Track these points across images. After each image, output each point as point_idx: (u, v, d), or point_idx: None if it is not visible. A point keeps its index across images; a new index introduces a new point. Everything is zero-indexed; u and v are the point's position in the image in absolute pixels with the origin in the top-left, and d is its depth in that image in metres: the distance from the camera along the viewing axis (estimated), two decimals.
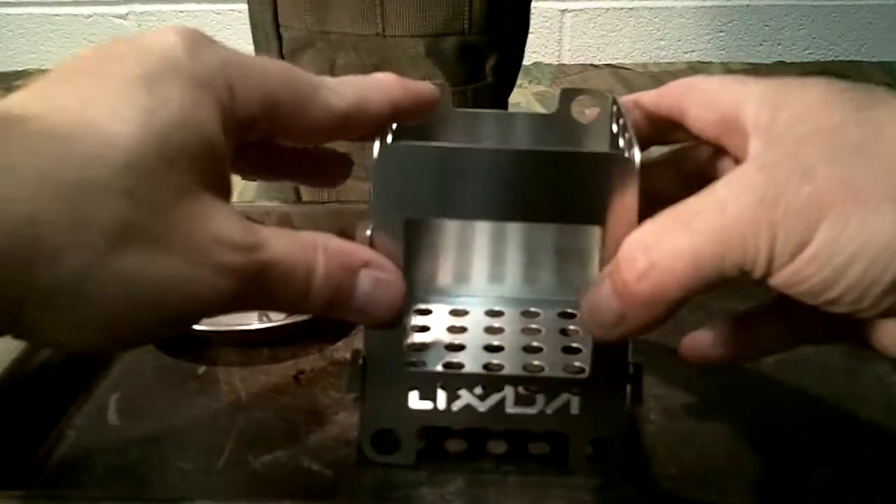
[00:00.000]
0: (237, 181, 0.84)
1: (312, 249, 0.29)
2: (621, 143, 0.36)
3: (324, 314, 0.31)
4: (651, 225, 0.29)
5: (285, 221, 0.56)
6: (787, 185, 0.26)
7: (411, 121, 0.35)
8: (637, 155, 0.32)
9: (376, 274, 0.31)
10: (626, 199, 0.32)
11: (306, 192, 0.63)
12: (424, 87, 0.35)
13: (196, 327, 0.47)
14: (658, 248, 0.28)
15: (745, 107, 0.30)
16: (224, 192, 0.28)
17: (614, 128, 0.39)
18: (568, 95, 0.44)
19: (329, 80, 0.32)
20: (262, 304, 0.31)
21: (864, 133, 0.26)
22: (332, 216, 0.56)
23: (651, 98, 0.35)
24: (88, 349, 0.26)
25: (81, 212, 0.23)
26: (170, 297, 0.25)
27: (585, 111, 0.43)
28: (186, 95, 0.26)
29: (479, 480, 0.36)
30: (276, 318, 0.50)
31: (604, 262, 0.33)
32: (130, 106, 0.25)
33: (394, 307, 0.32)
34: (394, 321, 0.32)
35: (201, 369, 0.45)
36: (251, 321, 0.50)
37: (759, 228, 0.26)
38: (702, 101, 0.32)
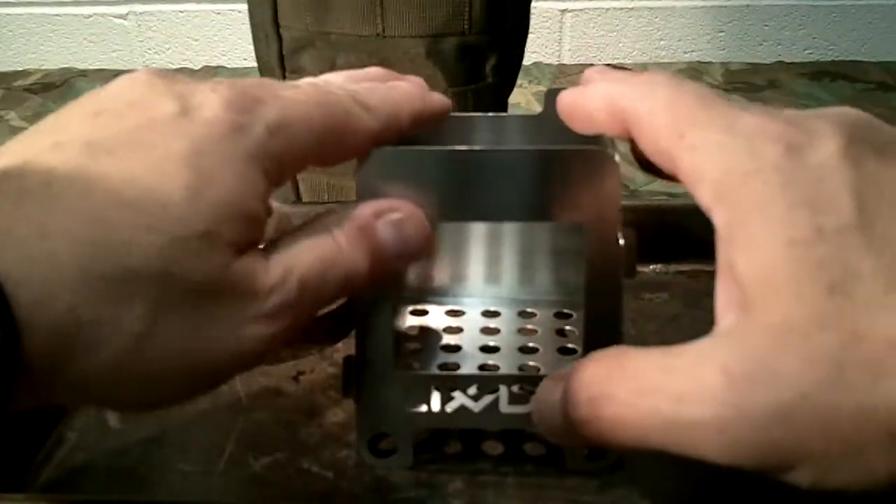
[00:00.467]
0: None
1: (327, 236, 0.30)
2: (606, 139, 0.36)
3: (377, 282, 0.32)
4: (605, 368, 0.27)
5: (285, 222, 0.56)
6: (758, 418, 0.22)
7: (418, 131, 0.35)
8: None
9: (392, 217, 0.31)
10: (609, 195, 0.33)
11: (306, 193, 0.63)
12: (442, 102, 0.35)
13: None
14: (605, 405, 0.26)
15: (701, 189, 0.26)
16: (257, 244, 0.28)
17: None
18: (553, 96, 0.44)
19: (360, 98, 0.31)
20: (317, 307, 0.31)
21: (841, 339, 0.22)
22: None
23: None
24: (125, 411, 0.28)
25: (119, 304, 0.23)
26: (206, 365, 0.26)
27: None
28: (232, 172, 0.26)
29: (478, 481, 0.36)
30: None
31: (591, 261, 0.33)
32: (174, 185, 0.25)
33: (424, 238, 0.32)
34: (430, 249, 0.33)
35: None
36: None
37: (716, 446, 0.23)
38: (647, 139, 0.28)
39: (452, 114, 0.45)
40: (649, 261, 0.55)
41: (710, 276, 0.57)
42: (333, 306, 0.48)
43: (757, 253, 0.24)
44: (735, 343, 0.24)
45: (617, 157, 0.32)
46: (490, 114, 0.46)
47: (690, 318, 0.49)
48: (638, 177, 0.76)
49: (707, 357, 0.24)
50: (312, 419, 0.41)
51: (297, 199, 0.64)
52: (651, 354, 0.26)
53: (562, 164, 0.32)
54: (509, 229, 0.46)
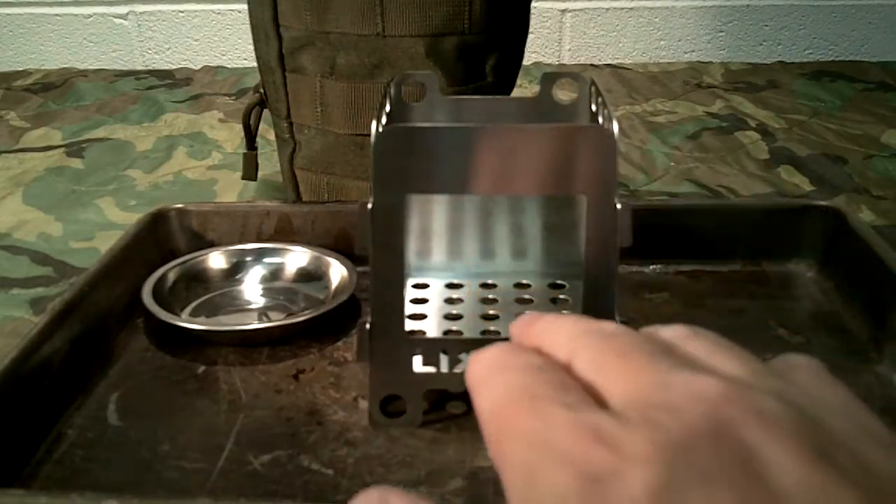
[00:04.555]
0: (237, 181, 0.84)
1: None
2: (601, 119, 0.39)
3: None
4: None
5: (285, 221, 0.56)
6: None
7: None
8: (616, 127, 0.35)
9: None
10: (608, 168, 0.35)
11: (306, 193, 0.63)
12: None
13: (196, 327, 0.47)
14: None
15: None
16: None
17: (593, 107, 0.42)
18: (549, 79, 0.46)
19: None
20: None
21: None
22: (332, 216, 0.56)
23: None
24: None
25: None
26: None
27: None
28: None
29: (479, 480, 0.36)
30: (276, 318, 0.50)
31: (590, 228, 0.36)
32: None
33: None
34: None
35: (201, 369, 0.45)
36: (251, 321, 0.50)
37: None
38: None
39: (452, 97, 0.48)
40: (649, 261, 0.55)
41: (711, 276, 0.57)
42: (335, 304, 0.48)
43: None
44: None
45: (616, 132, 0.35)
46: (489, 97, 0.48)
47: (690, 318, 0.49)
48: (638, 177, 0.76)
49: None
50: (312, 417, 0.41)
51: (298, 198, 0.64)
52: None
53: (567, 139, 0.35)
54: (503, 205, 0.48)
